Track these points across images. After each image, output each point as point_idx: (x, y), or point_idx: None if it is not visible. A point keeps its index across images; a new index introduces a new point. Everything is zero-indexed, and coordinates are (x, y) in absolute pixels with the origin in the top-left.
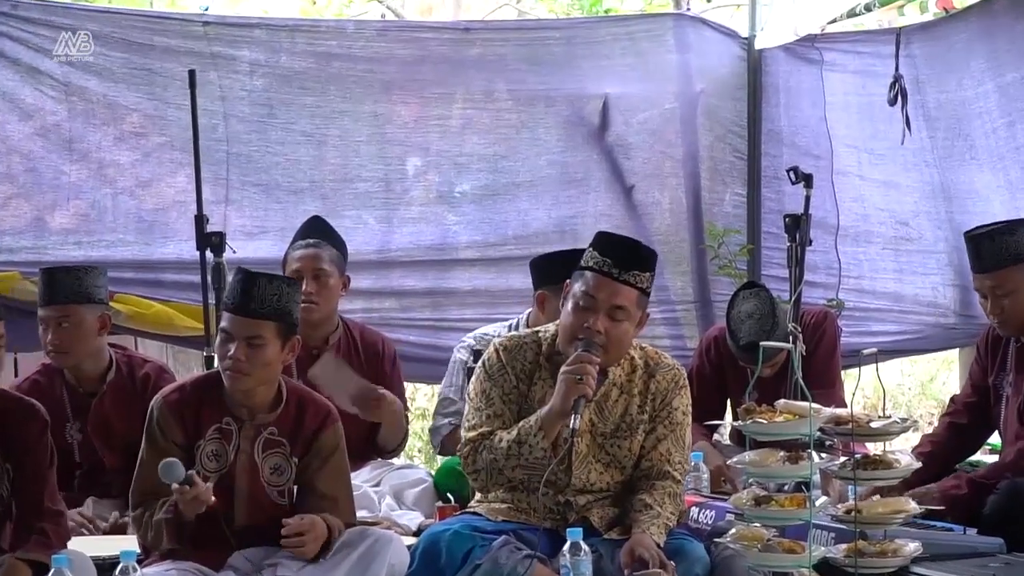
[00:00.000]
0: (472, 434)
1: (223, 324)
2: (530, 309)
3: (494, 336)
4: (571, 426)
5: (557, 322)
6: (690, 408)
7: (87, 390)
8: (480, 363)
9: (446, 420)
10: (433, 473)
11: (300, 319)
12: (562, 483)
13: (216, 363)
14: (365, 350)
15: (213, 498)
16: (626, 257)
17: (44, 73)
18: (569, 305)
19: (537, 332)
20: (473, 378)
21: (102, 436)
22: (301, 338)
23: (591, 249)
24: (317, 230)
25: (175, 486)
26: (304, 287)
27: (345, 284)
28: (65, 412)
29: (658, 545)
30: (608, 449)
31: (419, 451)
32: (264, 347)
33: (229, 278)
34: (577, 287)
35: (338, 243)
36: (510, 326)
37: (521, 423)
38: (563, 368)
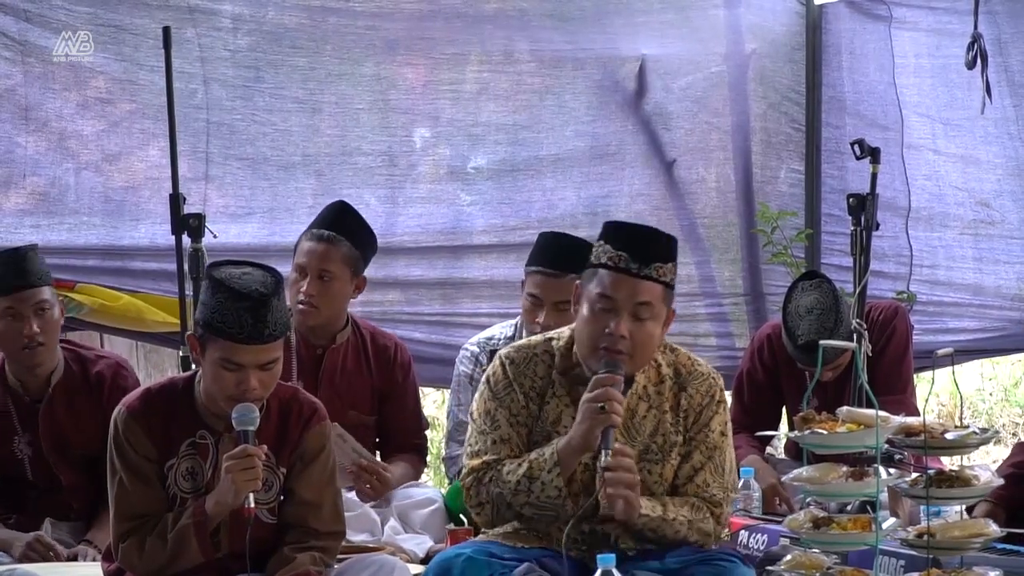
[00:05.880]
0: (476, 462)
1: (232, 356)
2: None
3: (500, 339)
4: (601, 463)
5: (572, 326)
6: (730, 426)
7: (34, 396)
8: (484, 377)
9: (462, 450)
10: (444, 493)
11: (296, 321)
12: (588, 511)
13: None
14: (376, 355)
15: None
16: (645, 248)
17: None
18: (584, 310)
19: (549, 340)
20: (477, 394)
21: (56, 449)
22: (304, 337)
23: (602, 242)
24: (336, 221)
25: (244, 446)
26: (305, 286)
27: (359, 286)
28: (12, 423)
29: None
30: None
31: (426, 464)
32: (279, 362)
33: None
34: (591, 288)
35: (360, 239)
36: (514, 325)
37: (533, 455)
38: (584, 396)
